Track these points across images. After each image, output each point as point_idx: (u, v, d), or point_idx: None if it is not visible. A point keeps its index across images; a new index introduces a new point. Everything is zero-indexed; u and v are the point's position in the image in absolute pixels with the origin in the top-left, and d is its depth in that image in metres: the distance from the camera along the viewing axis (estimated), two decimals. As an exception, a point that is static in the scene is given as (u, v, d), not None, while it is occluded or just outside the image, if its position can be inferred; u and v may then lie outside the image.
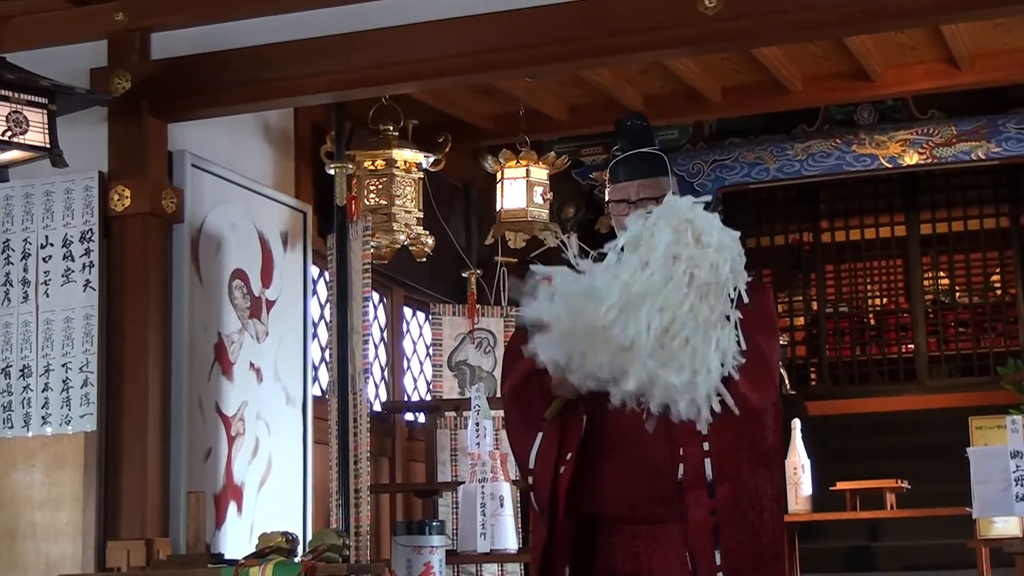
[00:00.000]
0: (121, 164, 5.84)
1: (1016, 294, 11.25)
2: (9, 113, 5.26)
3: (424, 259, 7.19)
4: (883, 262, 11.80)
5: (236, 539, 6.00)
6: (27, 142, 5.31)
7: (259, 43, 5.80)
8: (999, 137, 9.07)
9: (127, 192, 5.77)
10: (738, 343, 3.23)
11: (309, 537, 6.00)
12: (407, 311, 8.50)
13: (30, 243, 5.87)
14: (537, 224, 7.70)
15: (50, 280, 5.81)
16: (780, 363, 4.14)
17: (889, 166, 9.42)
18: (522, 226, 7.70)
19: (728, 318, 3.23)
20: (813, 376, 11.76)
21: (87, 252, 5.78)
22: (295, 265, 6.73)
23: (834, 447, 9.84)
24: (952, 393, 10.92)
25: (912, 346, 11.51)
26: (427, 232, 7.08)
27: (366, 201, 6.81)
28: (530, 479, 3.49)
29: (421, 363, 8.57)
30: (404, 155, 6.92)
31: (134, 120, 5.84)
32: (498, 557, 6.78)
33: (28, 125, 5.29)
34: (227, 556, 5.53)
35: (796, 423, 7.53)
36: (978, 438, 6.68)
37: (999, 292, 11.54)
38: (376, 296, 7.89)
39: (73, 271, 5.78)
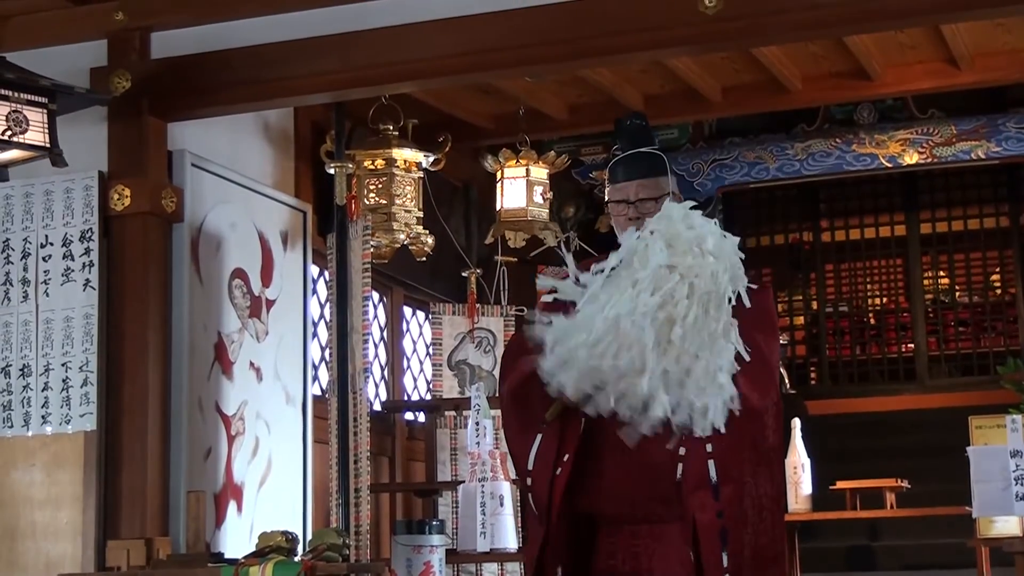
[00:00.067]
0: (121, 164, 5.84)
1: (1016, 293, 11.23)
2: (9, 112, 5.26)
3: (424, 258, 7.19)
4: (883, 261, 11.78)
5: (236, 538, 6.00)
6: (27, 141, 5.31)
7: (259, 43, 5.80)
8: (999, 136, 9.07)
9: (127, 192, 5.77)
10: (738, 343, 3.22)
11: (309, 536, 6.00)
12: (407, 310, 8.50)
13: (30, 242, 5.87)
14: (537, 223, 7.70)
15: (50, 280, 5.81)
16: (780, 362, 4.13)
17: (889, 165, 9.42)
18: (522, 225, 7.69)
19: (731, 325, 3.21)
20: (813, 375, 11.75)
21: (87, 252, 5.77)
22: (295, 264, 6.73)
23: (834, 446, 9.83)
24: (952, 392, 10.90)
25: (912, 345, 11.50)
26: (427, 231, 7.07)
27: (366, 200, 6.81)
28: (528, 480, 3.47)
29: (421, 362, 8.56)
30: (404, 154, 6.91)
31: (134, 120, 5.84)
32: (498, 556, 6.78)
33: (28, 124, 5.29)
34: (227, 555, 5.54)
35: (796, 422, 7.52)
36: (978, 437, 6.68)
37: (999, 292, 11.52)
38: (376, 295, 7.89)
39: (73, 271, 5.78)
